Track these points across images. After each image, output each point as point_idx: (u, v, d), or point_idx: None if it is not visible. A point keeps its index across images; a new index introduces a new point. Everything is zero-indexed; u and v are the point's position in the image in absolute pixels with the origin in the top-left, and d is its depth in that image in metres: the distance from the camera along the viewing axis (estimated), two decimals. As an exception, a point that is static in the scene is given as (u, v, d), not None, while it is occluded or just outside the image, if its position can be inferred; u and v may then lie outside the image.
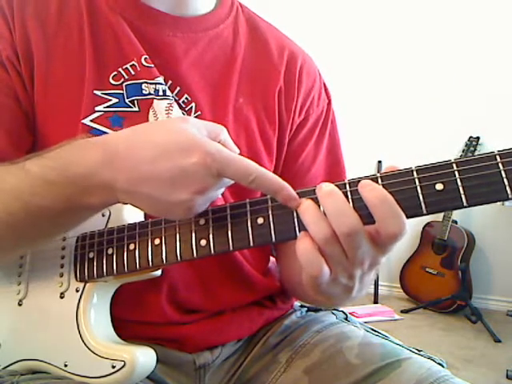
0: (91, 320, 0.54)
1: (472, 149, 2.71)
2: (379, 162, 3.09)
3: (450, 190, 0.39)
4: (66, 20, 0.62)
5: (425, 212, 0.40)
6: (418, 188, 0.40)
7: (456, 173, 0.39)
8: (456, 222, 2.71)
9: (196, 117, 0.62)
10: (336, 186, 0.42)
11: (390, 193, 0.40)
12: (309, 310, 0.75)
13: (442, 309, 2.63)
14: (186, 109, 0.62)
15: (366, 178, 0.42)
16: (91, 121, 0.59)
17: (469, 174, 0.39)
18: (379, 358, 0.59)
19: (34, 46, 0.59)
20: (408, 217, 0.40)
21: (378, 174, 0.41)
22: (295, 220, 0.43)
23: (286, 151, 0.70)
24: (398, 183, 0.41)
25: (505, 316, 2.67)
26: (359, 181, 0.41)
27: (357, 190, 0.41)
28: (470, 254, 2.70)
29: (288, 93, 0.69)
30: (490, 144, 2.74)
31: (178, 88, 0.62)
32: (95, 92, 0.60)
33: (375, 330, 0.68)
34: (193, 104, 0.62)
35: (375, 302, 2.83)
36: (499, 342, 2.25)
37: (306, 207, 0.41)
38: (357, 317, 2.17)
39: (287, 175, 0.70)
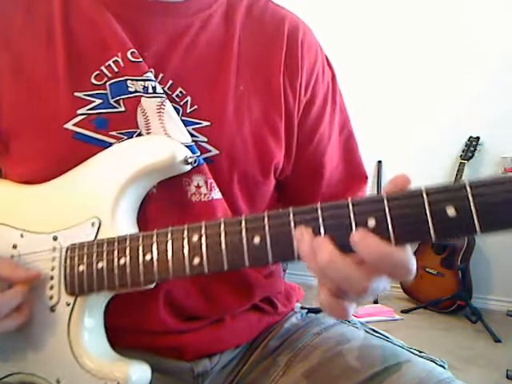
0: (84, 336, 0.53)
1: (472, 149, 2.70)
2: (379, 161, 3.07)
3: (464, 216, 0.34)
4: (33, 16, 0.59)
5: (434, 241, 0.36)
6: (428, 213, 0.35)
7: (470, 197, 0.34)
8: (456, 222, 2.70)
9: (192, 111, 0.58)
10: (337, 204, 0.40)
11: (396, 216, 0.37)
12: (309, 311, 0.73)
13: (442, 309, 2.62)
14: (181, 103, 0.58)
15: (371, 197, 0.39)
16: (74, 125, 0.55)
17: (484, 197, 0.34)
18: (379, 361, 0.58)
19: None
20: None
21: (385, 195, 0.38)
22: (294, 242, 0.41)
23: (299, 134, 0.65)
24: (405, 206, 0.37)
25: (505, 316, 2.66)
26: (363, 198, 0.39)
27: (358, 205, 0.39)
28: (469, 254, 2.69)
29: (291, 69, 0.63)
30: (490, 144, 2.73)
31: (171, 81, 0.58)
32: (76, 94, 0.56)
33: (376, 331, 0.66)
34: (188, 98, 0.58)
35: (375, 302, 2.82)
36: (499, 341, 2.25)
37: (301, 238, 0.40)
38: (357, 317, 2.16)
39: (303, 158, 0.66)
